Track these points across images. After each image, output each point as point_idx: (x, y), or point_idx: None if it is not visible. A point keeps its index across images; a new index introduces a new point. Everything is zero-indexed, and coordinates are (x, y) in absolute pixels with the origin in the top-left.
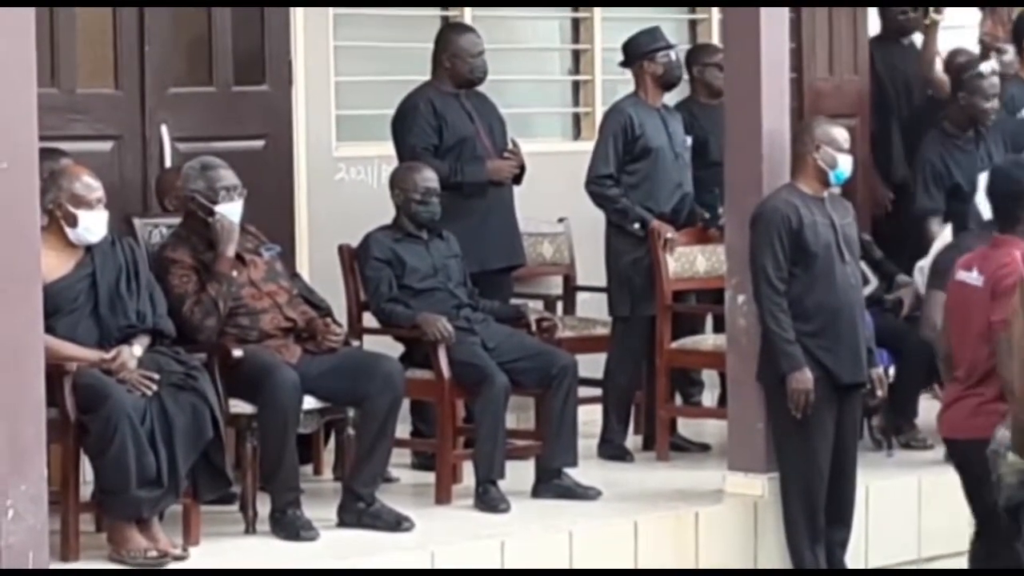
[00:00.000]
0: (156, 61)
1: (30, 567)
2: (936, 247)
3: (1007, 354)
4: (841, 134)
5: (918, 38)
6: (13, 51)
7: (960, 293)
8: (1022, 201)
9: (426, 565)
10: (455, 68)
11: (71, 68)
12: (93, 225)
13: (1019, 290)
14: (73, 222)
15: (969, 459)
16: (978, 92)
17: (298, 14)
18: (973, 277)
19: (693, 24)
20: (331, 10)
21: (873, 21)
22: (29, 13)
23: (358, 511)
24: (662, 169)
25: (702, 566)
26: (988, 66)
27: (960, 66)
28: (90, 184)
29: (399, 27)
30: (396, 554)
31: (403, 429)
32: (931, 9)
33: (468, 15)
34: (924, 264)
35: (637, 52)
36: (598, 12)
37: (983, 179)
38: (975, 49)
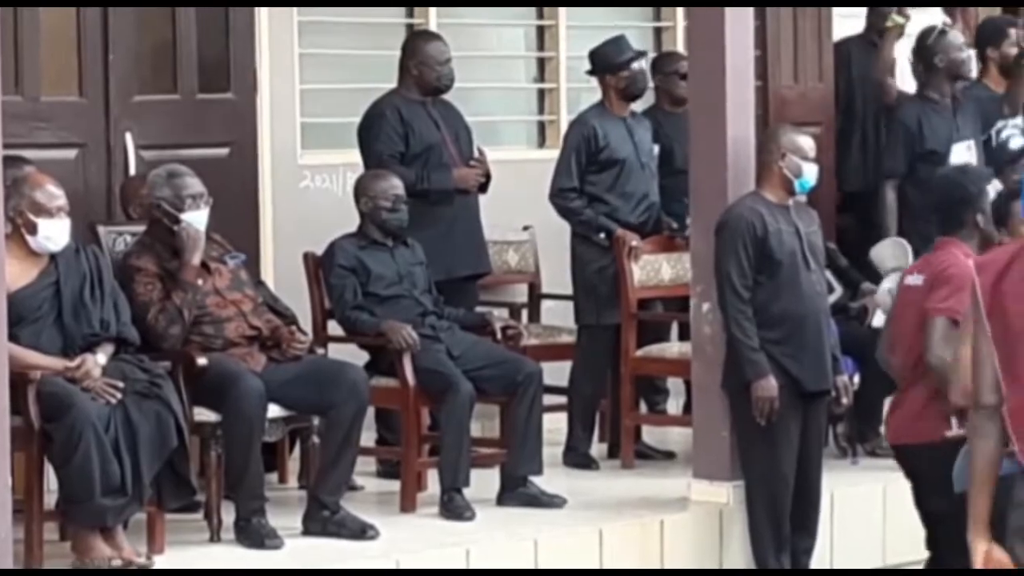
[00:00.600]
0: (120, 69)
1: None
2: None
3: (943, 340)
4: (807, 143)
5: (901, 44)
6: None
7: (905, 297)
8: (965, 206)
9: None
10: (422, 76)
11: (35, 76)
12: (53, 233)
13: (972, 290)
14: (33, 230)
15: (914, 464)
16: (950, 47)
17: (263, 22)
18: (915, 279)
19: (658, 32)
20: (296, 18)
21: (856, 22)
22: None
23: (323, 519)
24: (627, 179)
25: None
26: (944, 23)
27: (919, 38)
28: (52, 192)
29: (364, 35)
30: (361, 562)
31: (368, 437)
32: (894, 14)
33: (433, 23)
34: (892, 286)
35: (602, 64)
36: (563, 20)
37: (955, 150)
38: None
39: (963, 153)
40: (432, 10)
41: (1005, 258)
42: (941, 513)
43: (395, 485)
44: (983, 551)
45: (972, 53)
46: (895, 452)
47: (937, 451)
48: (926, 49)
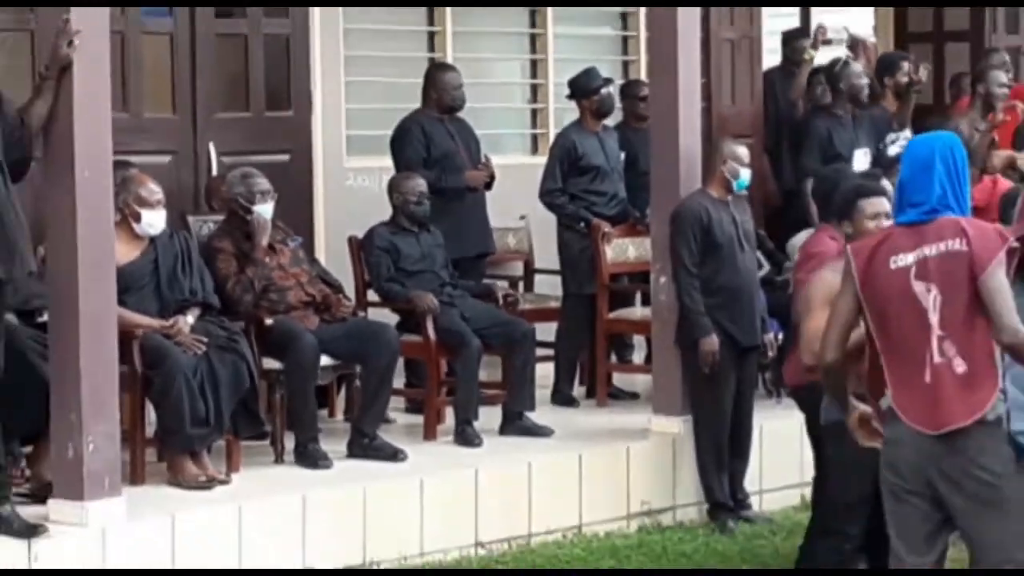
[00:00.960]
0: (205, 92)
1: (106, 489)
2: None
3: (804, 308)
4: (743, 151)
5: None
6: (93, 86)
7: None
8: (837, 197)
9: (416, 489)
10: (440, 98)
11: (138, 98)
12: (154, 221)
13: (847, 267)
14: (137, 218)
15: (802, 400)
16: (852, 75)
17: (317, 56)
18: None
19: (626, 64)
20: (343, 53)
21: (778, 55)
22: (104, 60)
23: (363, 445)
24: (601, 181)
25: (632, 489)
26: (847, 56)
27: (828, 66)
28: (152, 189)
29: (395, 66)
30: (393, 479)
31: (399, 381)
32: (809, 47)
33: (450, 57)
34: None
35: (579, 90)
36: (551, 55)
37: (856, 155)
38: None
39: (861, 158)
40: (449, 46)
41: (873, 243)
42: (822, 438)
43: (419, 419)
44: (854, 416)
45: (866, 80)
46: (791, 392)
47: (816, 390)
48: (834, 76)
